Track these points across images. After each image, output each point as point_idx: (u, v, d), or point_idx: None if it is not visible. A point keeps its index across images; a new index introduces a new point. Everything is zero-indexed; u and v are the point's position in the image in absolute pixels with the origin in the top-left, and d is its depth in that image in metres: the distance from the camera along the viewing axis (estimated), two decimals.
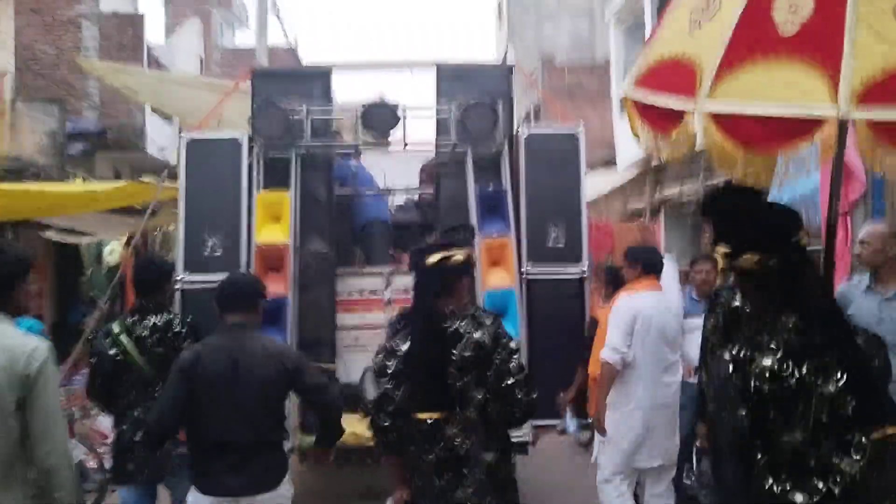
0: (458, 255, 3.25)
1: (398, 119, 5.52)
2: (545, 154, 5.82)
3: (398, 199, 7.94)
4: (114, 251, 10.34)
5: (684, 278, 6.24)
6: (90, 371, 4.29)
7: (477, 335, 3.12)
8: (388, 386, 3.11)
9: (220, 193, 5.68)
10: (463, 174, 5.87)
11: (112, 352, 4.11)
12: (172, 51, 15.07)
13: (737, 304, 2.53)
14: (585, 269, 5.72)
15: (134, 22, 11.88)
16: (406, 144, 5.81)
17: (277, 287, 5.42)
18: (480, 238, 5.47)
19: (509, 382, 3.13)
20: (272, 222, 5.66)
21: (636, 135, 3.05)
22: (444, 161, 6.07)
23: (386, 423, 3.12)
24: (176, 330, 4.20)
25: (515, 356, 3.21)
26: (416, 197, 7.82)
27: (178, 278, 5.49)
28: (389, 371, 3.13)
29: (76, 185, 9.34)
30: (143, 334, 4.14)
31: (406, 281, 6.14)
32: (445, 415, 3.06)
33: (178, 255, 5.70)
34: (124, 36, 11.55)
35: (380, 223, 6.76)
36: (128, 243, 9.13)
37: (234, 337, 3.43)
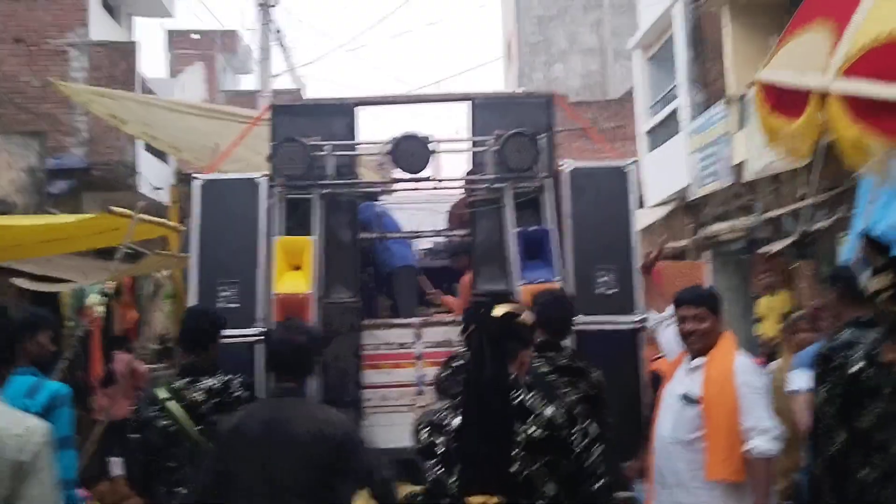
0: (526, 316, 3.11)
1: (429, 153, 5.53)
2: (592, 190, 5.82)
3: (424, 244, 7.96)
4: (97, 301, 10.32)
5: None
6: (134, 449, 4.02)
7: (548, 411, 2.91)
8: (440, 471, 2.83)
9: (237, 239, 5.68)
10: (500, 214, 5.86)
11: (162, 423, 3.82)
12: (174, 91, 15.26)
13: (857, 368, 2.42)
14: (640, 318, 5.66)
15: (127, 52, 12.05)
16: (440, 181, 5.80)
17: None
18: (522, 285, 5.44)
19: (594, 487, 2.89)
20: (292, 270, 5.63)
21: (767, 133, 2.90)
22: (478, 200, 6.07)
23: None
24: (236, 394, 3.97)
25: (596, 448, 2.98)
26: (444, 240, 7.84)
27: None
28: (438, 451, 2.85)
29: (33, 218, 8.89)
30: (197, 398, 3.91)
31: (438, 333, 6.10)
32: (505, 501, 2.73)
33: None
34: (116, 68, 11.70)
35: (407, 270, 6.74)
36: (117, 293, 9.08)
37: (279, 405, 3.33)
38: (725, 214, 12.12)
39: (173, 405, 3.83)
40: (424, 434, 2.94)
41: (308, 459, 3.17)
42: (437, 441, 2.86)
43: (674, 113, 14.12)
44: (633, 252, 5.77)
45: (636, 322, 5.67)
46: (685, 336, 4.25)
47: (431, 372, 6.01)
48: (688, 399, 4.12)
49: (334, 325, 5.84)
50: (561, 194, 5.82)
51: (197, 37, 31.15)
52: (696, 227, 12.83)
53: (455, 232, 6.84)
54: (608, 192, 5.85)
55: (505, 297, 3.27)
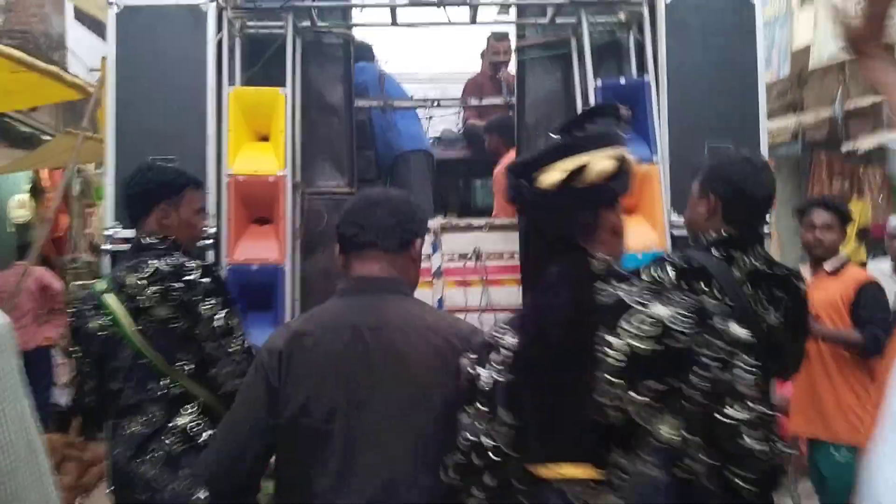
0: (603, 163, 1.74)
1: None
2: (700, 29, 3.98)
3: (431, 131, 6.09)
4: (24, 204, 8.40)
5: None
6: (73, 372, 3.01)
7: (660, 310, 1.65)
8: (482, 425, 1.74)
9: (172, 95, 3.82)
10: (563, 64, 4.03)
11: (97, 323, 2.67)
12: None
13: None
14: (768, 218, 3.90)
15: None
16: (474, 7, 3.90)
17: (266, 248, 3.62)
18: None
19: (734, 416, 1.62)
20: (256, 140, 3.80)
21: None
22: (529, 45, 4.19)
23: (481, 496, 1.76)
24: (188, 278, 2.62)
25: (741, 360, 1.64)
26: (460, 125, 5.99)
27: (107, 233, 3.68)
28: (484, 388, 1.76)
29: None
30: (137, 285, 2.61)
31: (465, 241, 4.38)
32: (597, 473, 1.66)
33: (107, 197, 3.84)
34: None
35: (421, 156, 4.93)
36: (34, 192, 7.18)
37: (368, 305, 1.99)
38: (777, 110, 10.30)
39: (111, 298, 2.65)
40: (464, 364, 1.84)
41: (434, 387, 1.93)
42: (482, 374, 1.78)
43: None
44: (760, 120, 3.98)
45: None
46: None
47: (455, 296, 4.33)
48: None
49: (321, 226, 4.04)
50: (655, 38, 3.97)
51: None
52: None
53: (489, 100, 4.97)
54: (724, 33, 4.00)
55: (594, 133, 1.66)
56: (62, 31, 9.98)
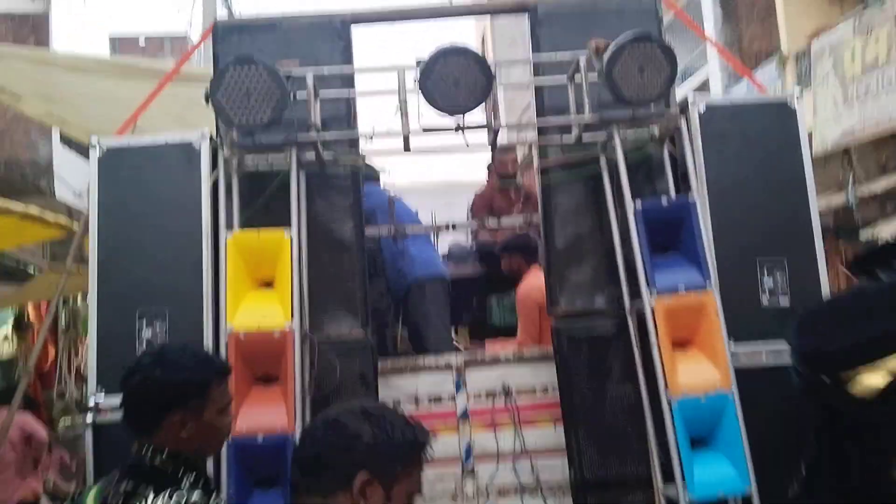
0: None
1: (489, 80, 3.25)
2: (740, 139, 3.64)
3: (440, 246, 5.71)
4: (7, 338, 7.91)
5: None
6: None
7: None
8: None
9: (164, 241, 3.43)
10: (593, 183, 3.67)
11: None
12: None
13: None
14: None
15: (35, 25, 9.65)
16: (496, 127, 3.54)
17: (272, 415, 3.17)
18: (652, 295, 3.24)
19: None
20: (258, 287, 3.38)
21: None
22: (551, 164, 3.83)
23: None
24: None
25: None
26: (470, 241, 5.62)
27: (90, 402, 3.26)
28: None
29: None
30: None
31: (493, 377, 3.93)
32: None
33: (89, 358, 3.42)
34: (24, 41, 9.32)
35: (437, 283, 4.51)
36: (18, 326, 6.71)
37: None
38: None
39: None
40: None
41: None
42: None
43: (705, 83, 12.03)
44: (814, 235, 3.59)
45: None
46: None
47: (485, 441, 3.85)
48: None
49: (333, 376, 3.57)
50: (690, 147, 3.61)
51: (143, 44, 28.71)
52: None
53: (508, 219, 4.58)
54: (766, 142, 3.67)
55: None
56: (49, 156, 9.71)
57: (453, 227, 4.37)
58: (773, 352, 3.46)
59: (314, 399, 3.49)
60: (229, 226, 3.44)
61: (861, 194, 8.32)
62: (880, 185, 8.19)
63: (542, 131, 3.77)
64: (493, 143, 3.56)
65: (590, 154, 3.66)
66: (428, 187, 6.79)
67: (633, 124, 3.48)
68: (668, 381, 3.22)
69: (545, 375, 3.92)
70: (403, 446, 1.55)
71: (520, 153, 6.02)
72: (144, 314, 3.46)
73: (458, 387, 3.99)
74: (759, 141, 3.66)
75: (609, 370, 3.64)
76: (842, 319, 1.41)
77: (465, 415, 3.97)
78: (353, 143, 3.73)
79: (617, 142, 3.39)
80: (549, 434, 3.88)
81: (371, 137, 3.46)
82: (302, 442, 1.61)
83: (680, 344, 3.34)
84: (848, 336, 1.33)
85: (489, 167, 5.73)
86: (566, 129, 3.66)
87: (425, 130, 3.34)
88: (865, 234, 8.05)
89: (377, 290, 4.43)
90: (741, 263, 3.55)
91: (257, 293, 3.35)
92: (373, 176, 4.61)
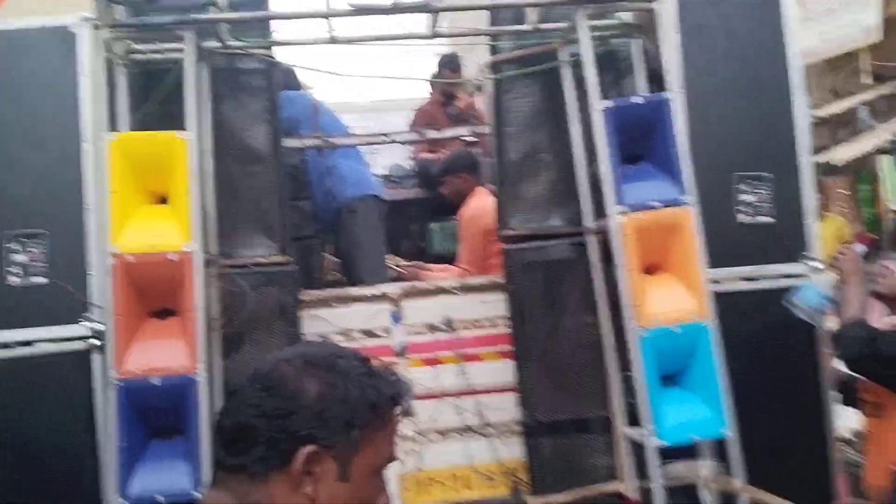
0: None
1: None
2: (720, 34, 3.14)
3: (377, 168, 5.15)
4: None
5: None
6: None
7: None
8: None
9: (37, 149, 2.81)
10: (551, 82, 3.15)
11: None
12: None
13: None
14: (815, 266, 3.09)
15: None
16: (434, 9, 2.95)
17: (171, 353, 2.64)
18: (622, 212, 2.76)
19: None
20: (151, 202, 2.80)
21: None
22: (506, 59, 3.28)
23: None
24: None
25: None
26: (410, 161, 5.09)
27: None
28: None
29: None
30: None
31: (434, 309, 3.47)
32: None
33: None
34: None
35: (371, 203, 3.97)
36: None
37: None
38: None
39: None
40: None
41: None
42: None
43: None
44: (799, 147, 3.15)
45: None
46: None
47: (424, 377, 3.43)
48: None
49: (247, 309, 3.03)
50: (662, 40, 3.10)
51: None
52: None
53: (451, 131, 4.03)
54: (747, 38, 3.17)
55: None
56: None
57: (390, 139, 3.79)
58: (750, 276, 3.05)
59: (225, 336, 2.95)
60: (114, 128, 2.81)
61: (814, 120, 7.98)
62: (832, 109, 7.86)
63: (494, 20, 3.20)
64: (434, 32, 2.97)
65: (549, 47, 3.11)
66: (360, 108, 6.15)
67: (600, 9, 2.93)
68: (637, 311, 2.76)
69: (493, 306, 3.46)
70: (363, 404, 1.13)
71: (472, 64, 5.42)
72: (15, 237, 2.85)
73: (395, 319, 3.51)
74: (743, 37, 3.15)
75: (567, 299, 3.18)
76: None
77: (402, 350, 3.50)
78: (266, 30, 3.11)
79: (583, 28, 2.83)
80: (496, 370, 3.43)
81: (289, 19, 2.84)
82: (225, 406, 1.17)
83: (650, 268, 2.88)
84: None
85: (431, 81, 5.15)
86: (521, 18, 3.10)
87: (353, 7, 2.72)
88: (817, 160, 7.74)
89: (302, 212, 3.86)
90: (718, 178, 3.09)
91: (150, 209, 2.76)
92: (291, 82, 3.99)
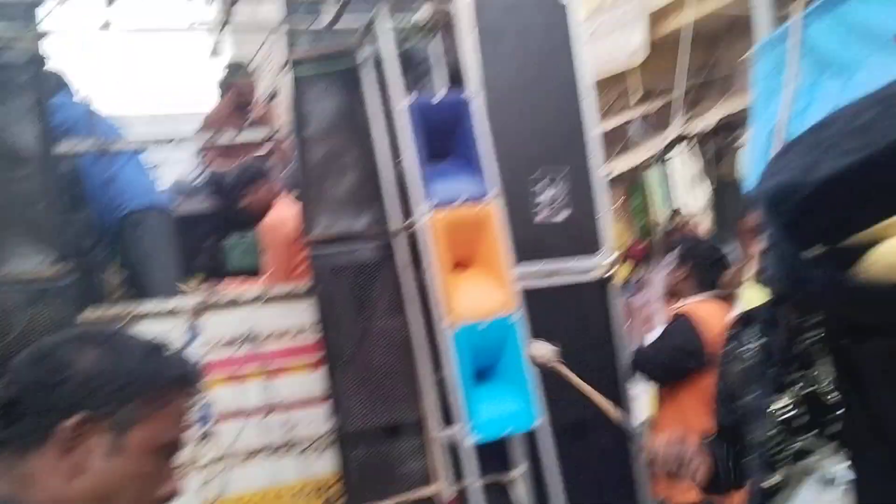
0: None
1: None
2: (512, 35, 3.23)
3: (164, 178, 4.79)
4: None
5: None
6: None
7: None
8: None
9: None
10: (347, 83, 3.07)
11: None
12: None
13: None
14: (612, 259, 3.23)
15: None
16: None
17: None
18: (431, 210, 2.74)
19: None
20: None
21: None
22: (304, 58, 3.16)
23: None
24: None
25: None
26: (201, 172, 4.80)
27: None
28: None
29: None
30: None
31: (229, 321, 3.27)
32: None
33: None
34: None
35: (154, 214, 3.66)
36: None
37: None
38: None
39: None
40: None
41: None
42: None
43: None
44: (589, 141, 3.29)
45: (605, 268, 3.24)
46: None
47: (226, 397, 3.22)
48: None
49: (17, 327, 2.66)
50: (456, 42, 3.14)
51: None
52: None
53: (247, 135, 3.82)
54: (539, 38, 3.28)
55: None
56: None
57: (177, 141, 3.52)
58: (551, 272, 3.14)
59: None
60: None
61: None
62: (605, 126, 8.42)
63: (291, 11, 3.07)
64: (226, 20, 2.79)
65: (348, 45, 3.03)
66: (143, 120, 5.73)
67: (396, 8, 2.89)
68: (446, 309, 2.73)
69: (299, 315, 3.29)
70: (139, 377, 1.09)
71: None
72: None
73: (190, 336, 3.24)
74: (531, 36, 3.25)
75: (376, 302, 3.09)
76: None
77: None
78: (31, 18, 2.78)
79: (382, 26, 2.78)
80: (305, 382, 3.27)
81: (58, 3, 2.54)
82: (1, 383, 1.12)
83: (458, 265, 2.86)
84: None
85: (221, 85, 4.89)
86: (316, 10, 3.01)
87: None
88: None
89: (81, 223, 3.48)
90: (517, 174, 3.15)
91: None
92: (60, 86, 3.61)
